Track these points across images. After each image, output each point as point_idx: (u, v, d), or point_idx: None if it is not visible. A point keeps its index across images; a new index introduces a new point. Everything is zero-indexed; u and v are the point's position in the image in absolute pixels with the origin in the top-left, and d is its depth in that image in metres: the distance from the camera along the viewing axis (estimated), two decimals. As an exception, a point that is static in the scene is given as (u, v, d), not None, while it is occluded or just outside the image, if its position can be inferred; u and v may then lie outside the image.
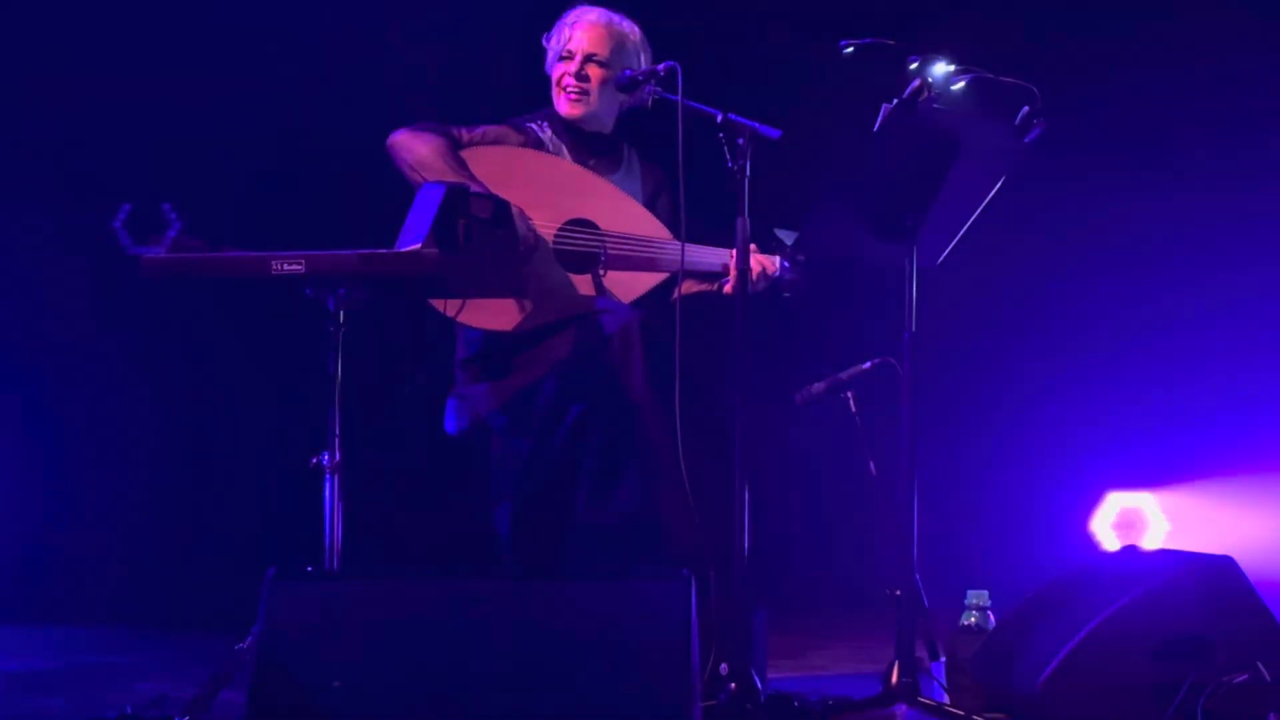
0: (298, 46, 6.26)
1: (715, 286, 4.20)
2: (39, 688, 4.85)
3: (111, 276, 5.35)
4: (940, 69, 3.93)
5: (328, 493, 3.96)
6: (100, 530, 6.16)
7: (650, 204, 4.31)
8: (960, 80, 3.98)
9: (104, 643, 5.57)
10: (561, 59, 4.28)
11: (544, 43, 4.36)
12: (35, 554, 6.23)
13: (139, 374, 6.10)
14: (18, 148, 6.48)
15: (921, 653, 4.07)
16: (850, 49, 3.93)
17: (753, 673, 4.03)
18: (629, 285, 4.13)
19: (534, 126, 4.30)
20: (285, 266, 3.84)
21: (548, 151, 4.27)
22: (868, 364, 4.10)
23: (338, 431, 3.94)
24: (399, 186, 4.18)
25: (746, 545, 3.95)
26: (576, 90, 4.31)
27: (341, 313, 3.91)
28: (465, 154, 4.09)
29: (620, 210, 4.18)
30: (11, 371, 6.19)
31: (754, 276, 4.06)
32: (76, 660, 5.28)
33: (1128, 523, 5.36)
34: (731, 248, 4.02)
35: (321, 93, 6.23)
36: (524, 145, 4.24)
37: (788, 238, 3.98)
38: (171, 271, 3.90)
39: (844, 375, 4.14)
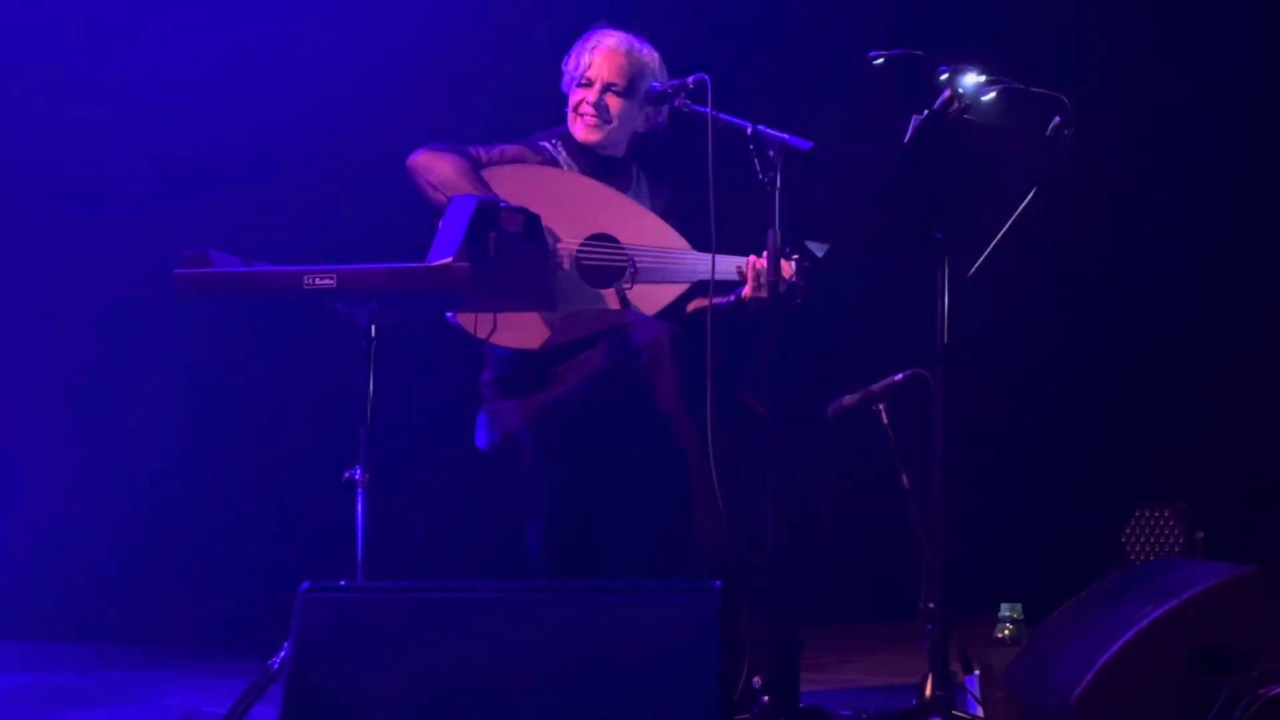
0: (323, 63, 6.20)
1: (733, 296, 4.29)
2: (76, 702, 4.90)
3: (142, 292, 5.35)
4: (970, 79, 3.91)
5: (359, 507, 4.00)
6: (133, 546, 6.23)
7: (665, 218, 4.43)
8: (990, 91, 3.94)
9: (138, 658, 5.61)
10: (580, 85, 4.33)
11: (562, 65, 4.41)
12: (70, 570, 6.29)
13: (172, 391, 6.17)
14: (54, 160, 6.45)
15: (955, 666, 4.05)
16: (880, 59, 3.95)
17: (789, 685, 4.05)
18: (652, 297, 4.21)
19: (548, 146, 4.36)
20: (317, 281, 3.85)
21: (564, 168, 4.43)
22: (899, 375, 4.07)
23: (368, 447, 3.99)
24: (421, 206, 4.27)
25: (778, 557, 3.96)
26: (594, 118, 4.38)
27: (373, 328, 3.94)
28: (485, 173, 4.13)
29: (639, 223, 4.24)
30: (50, 390, 6.34)
31: (780, 287, 4.15)
32: (112, 675, 5.30)
33: (1158, 533, 5.35)
34: (740, 254, 4.21)
35: (346, 110, 6.40)
36: (544, 163, 4.33)
37: (818, 249, 3.87)
38: (204, 287, 3.92)
39: (876, 387, 4.13)
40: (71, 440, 6.27)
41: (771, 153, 3.92)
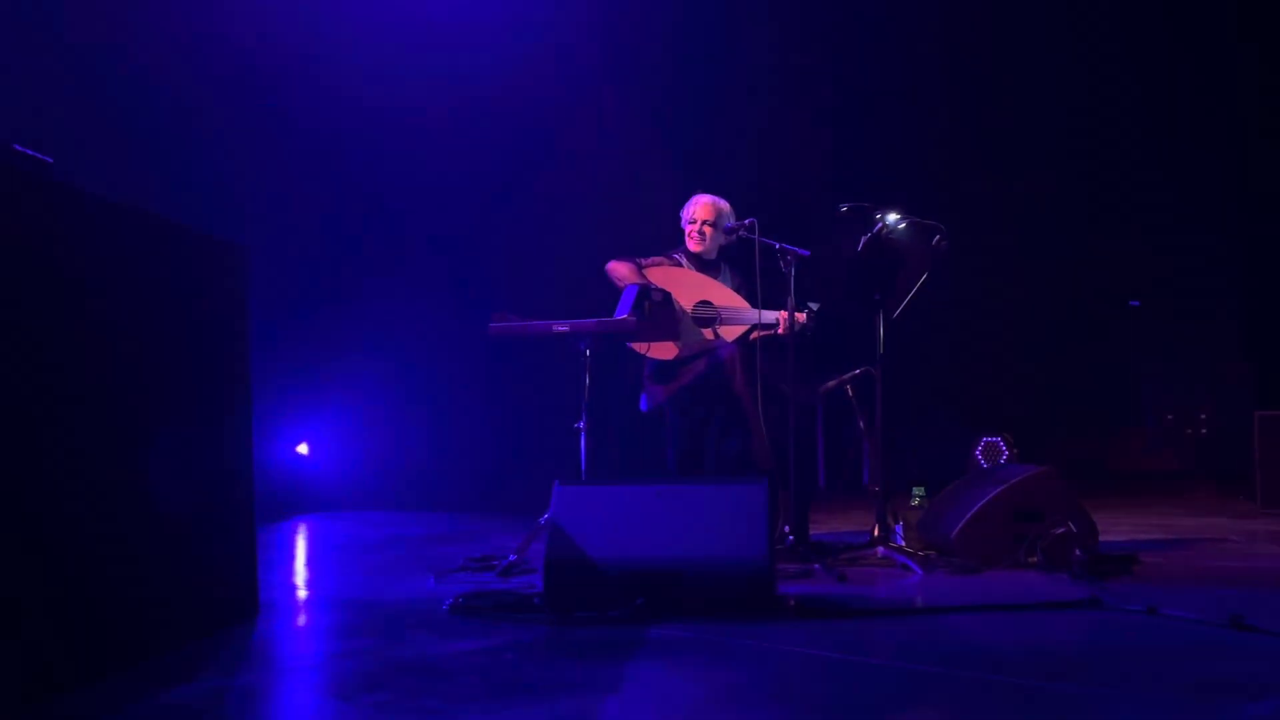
0: (564, 202, 6.35)
1: (773, 331, 4.54)
2: (437, 540, 5.21)
3: (471, 336, 5.88)
4: (892, 216, 4.27)
5: (582, 442, 4.27)
6: (462, 462, 6.63)
7: (736, 290, 4.81)
8: (903, 222, 4.12)
9: (467, 521, 5.94)
10: (690, 222, 4.80)
11: (680, 213, 4.78)
12: (426, 474, 6.63)
13: (483, 382, 6.52)
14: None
15: (889, 521, 4.45)
16: (845, 208, 4.04)
17: (803, 531, 4.30)
18: (730, 332, 4.63)
19: (677, 256, 4.82)
20: (558, 329, 4.27)
21: (684, 267, 4.77)
22: (858, 370, 4.32)
23: (587, 411, 4.23)
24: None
25: (796, 467, 4.20)
26: (698, 240, 4.74)
27: (588, 351, 4.32)
28: (646, 271, 4.62)
29: (723, 294, 4.68)
30: (423, 382, 6.62)
31: (796, 326, 4.43)
32: (453, 529, 5.72)
33: (994, 451, 5.45)
34: (778, 310, 4.45)
35: (579, 225, 6.55)
36: (674, 265, 4.77)
37: (814, 305, 4.05)
38: (503, 333, 4.37)
39: (845, 377, 4.44)
40: (439, 414, 6.64)
41: (789, 257, 4.33)
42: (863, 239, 4.22)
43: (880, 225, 4.18)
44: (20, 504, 2.44)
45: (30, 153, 2.67)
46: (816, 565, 3.97)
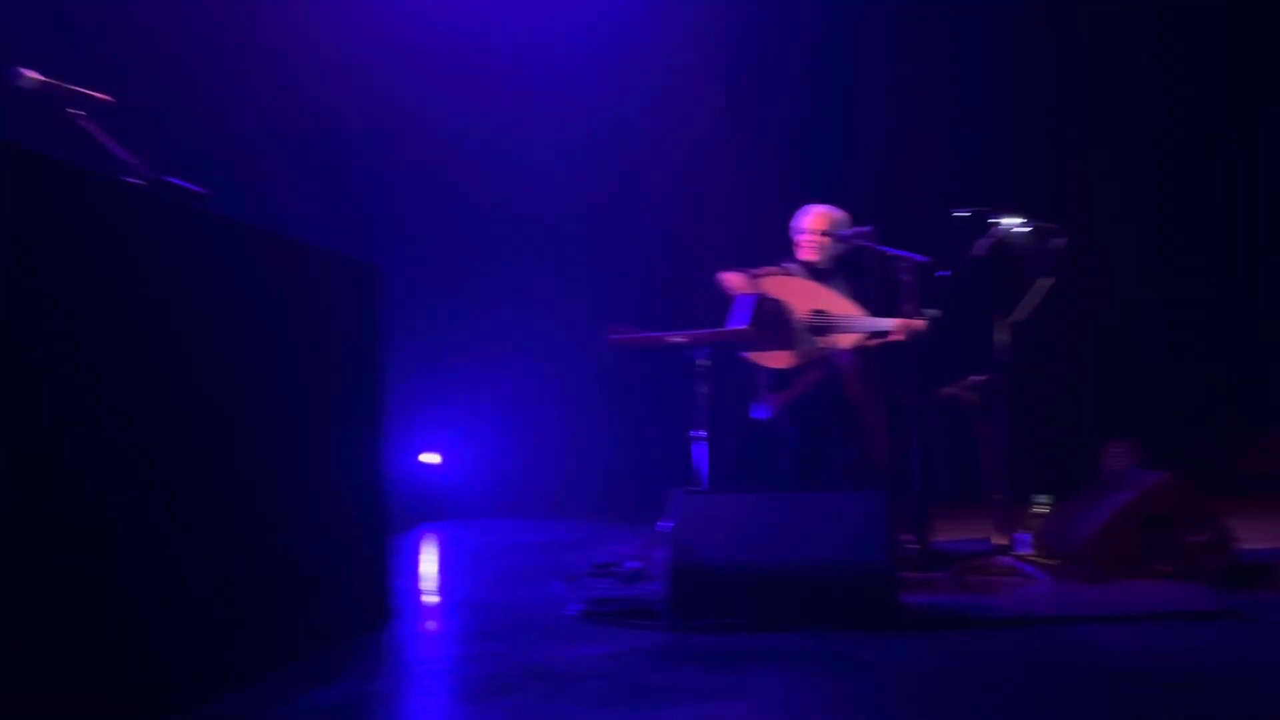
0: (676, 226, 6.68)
1: (889, 338, 4.48)
2: (560, 548, 5.25)
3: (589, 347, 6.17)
4: (1009, 220, 4.07)
5: (698, 451, 4.29)
6: (582, 471, 6.67)
7: (851, 299, 4.76)
8: (1022, 225, 4.28)
9: (587, 528, 6.03)
10: (801, 232, 4.74)
11: (792, 223, 4.74)
12: (547, 483, 6.67)
13: (601, 392, 6.57)
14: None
15: (1014, 529, 4.38)
16: (963, 213, 4.06)
17: (924, 538, 4.24)
18: (845, 340, 4.61)
19: (790, 265, 4.79)
20: (674, 339, 4.32)
21: (797, 276, 4.77)
22: (979, 377, 4.30)
23: (707, 419, 4.29)
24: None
25: (920, 472, 4.19)
26: (811, 249, 4.69)
27: (704, 361, 4.33)
28: (759, 281, 4.58)
29: (838, 303, 4.64)
30: (543, 393, 6.69)
31: (914, 331, 4.34)
32: (575, 536, 5.70)
33: (1120, 457, 5.28)
34: (890, 317, 4.40)
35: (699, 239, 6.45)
36: (787, 275, 4.72)
37: (934, 312, 4.28)
38: (622, 344, 4.49)
39: (965, 383, 4.56)
40: (559, 423, 6.73)
41: (906, 264, 4.27)
42: (982, 243, 4.20)
43: (999, 229, 4.15)
44: (187, 514, 2.57)
45: (183, 184, 2.86)
46: (939, 574, 3.95)
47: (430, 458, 6.77)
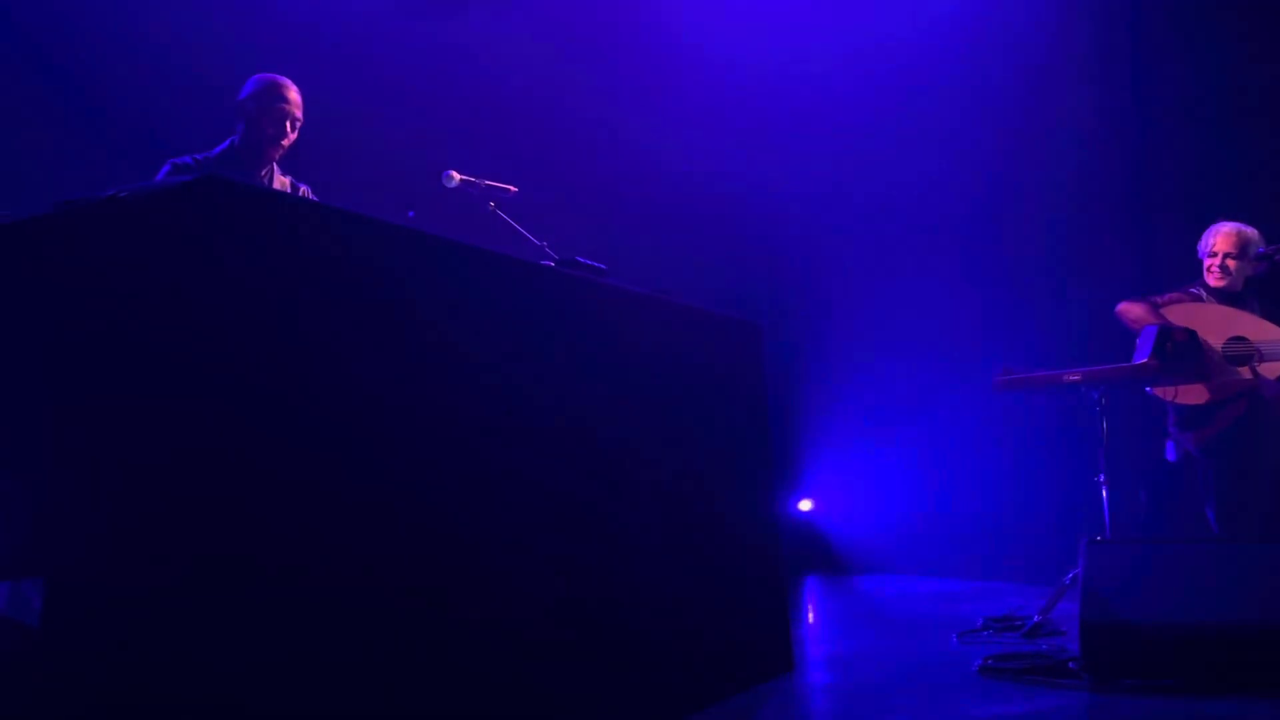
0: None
1: None
2: (948, 599, 5.11)
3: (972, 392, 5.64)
4: None
5: (1104, 495, 4.06)
6: (967, 519, 6.08)
7: (1272, 322, 4.37)
8: None
9: (976, 579, 5.72)
10: (1209, 256, 4.41)
11: (1198, 246, 4.43)
12: (928, 532, 6.26)
13: (984, 437, 5.98)
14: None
15: None
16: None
17: None
18: (1272, 369, 4.21)
19: (1196, 291, 4.48)
20: (1070, 377, 4.05)
21: (1207, 303, 4.43)
22: None
23: (1107, 462, 4.04)
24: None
25: None
26: (1220, 274, 4.38)
27: (1103, 399, 4.13)
28: (1164, 310, 4.36)
29: (1259, 327, 4.26)
30: (923, 440, 6.31)
31: None
32: (963, 588, 5.50)
33: None
34: None
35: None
36: (1195, 301, 4.41)
37: None
38: (1010, 386, 4.20)
39: None
40: (934, 468, 6.33)
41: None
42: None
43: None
44: (605, 563, 2.76)
45: (589, 262, 3.14)
46: None
47: (805, 504, 6.67)
